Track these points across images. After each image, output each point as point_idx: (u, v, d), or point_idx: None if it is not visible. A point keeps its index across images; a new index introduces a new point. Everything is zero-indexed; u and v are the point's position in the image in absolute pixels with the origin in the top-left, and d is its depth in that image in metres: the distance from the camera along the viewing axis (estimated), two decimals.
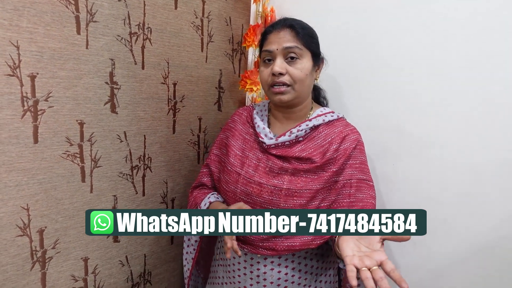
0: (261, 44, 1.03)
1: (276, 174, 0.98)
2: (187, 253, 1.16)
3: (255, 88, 1.35)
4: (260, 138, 1.02)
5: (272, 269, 0.99)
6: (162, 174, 1.24)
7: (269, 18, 1.35)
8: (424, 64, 1.08)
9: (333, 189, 0.98)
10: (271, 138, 1.01)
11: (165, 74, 1.19)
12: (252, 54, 1.46)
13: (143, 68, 1.12)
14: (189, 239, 1.15)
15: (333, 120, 1.03)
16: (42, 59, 0.90)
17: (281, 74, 0.95)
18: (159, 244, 1.28)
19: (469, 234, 1.05)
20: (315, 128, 1.01)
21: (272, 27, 1.00)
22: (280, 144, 1.00)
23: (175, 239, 1.33)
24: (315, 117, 1.02)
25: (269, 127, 1.06)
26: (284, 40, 0.96)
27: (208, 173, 1.14)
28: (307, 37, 0.98)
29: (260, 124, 1.04)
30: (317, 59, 1.01)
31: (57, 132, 0.96)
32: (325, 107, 1.08)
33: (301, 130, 1.00)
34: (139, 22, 1.09)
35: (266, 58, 0.99)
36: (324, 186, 0.97)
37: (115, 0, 1.02)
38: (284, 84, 0.96)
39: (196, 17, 1.25)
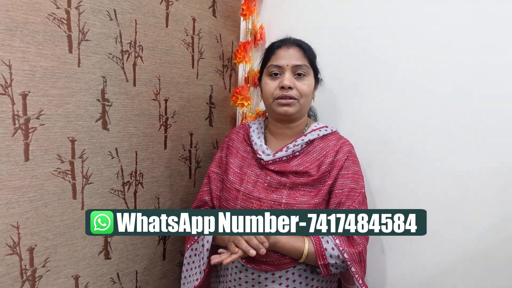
0: (267, 57, 1.07)
1: (275, 189, 1.00)
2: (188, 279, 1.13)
3: (246, 103, 1.37)
4: (257, 155, 1.05)
5: (273, 281, 0.99)
6: (154, 190, 1.25)
7: (259, 35, 1.38)
8: (410, 76, 1.11)
9: (329, 200, 1.00)
10: (269, 155, 1.04)
11: (157, 91, 1.20)
12: (243, 70, 1.48)
13: (134, 85, 1.14)
14: (194, 268, 1.10)
15: (327, 134, 1.07)
16: (34, 77, 0.91)
17: (290, 88, 1.00)
18: (151, 260, 1.27)
19: (456, 243, 1.07)
20: (310, 142, 1.05)
21: (281, 42, 1.05)
22: (277, 159, 1.03)
23: (167, 255, 1.32)
24: (310, 132, 1.06)
25: (266, 143, 1.09)
26: (293, 57, 1.02)
27: (208, 191, 1.14)
28: (312, 56, 1.05)
29: (257, 142, 1.07)
30: (317, 78, 1.08)
31: (48, 150, 0.96)
32: (318, 122, 1.12)
33: (298, 145, 1.03)
34: (130, 40, 1.11)
35: (274, 72, 1.03)
36: (322, 200, 0.99)
37: (107, 19, 1.04)
38: (291, 97, 1.00)
39: (187, 35, 1.28)
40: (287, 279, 0.99)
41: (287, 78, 1.00)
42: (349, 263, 0.92)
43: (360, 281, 0.94)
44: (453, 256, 1.08)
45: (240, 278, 1.01)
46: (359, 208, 0.99)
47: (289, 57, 1.02)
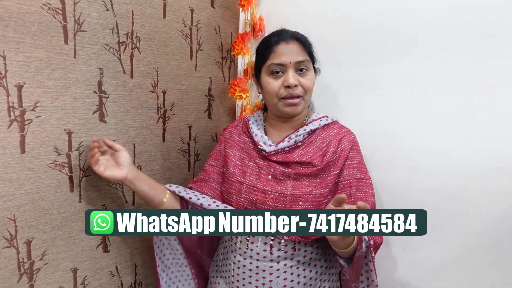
0: (265, 54, 1.01)
1: (279, 181, 1.00)
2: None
3: (244, 96, 1.36)
4: (259, 146, 1.04)
5: (278, 277, 0.98)
6: None
7: (258, 26, 1.36)
8: (412, 71, 1.10)
9: (335, 191, 1.00)
10: (271, 145, 1.03)
11: (154, 83, 1.19)
12: (242, 61, 1.47)
13: (132, 77, 1.12)
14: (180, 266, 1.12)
15: (328, 124, 1.06)
16: (29, 68, 0.90)
17: (295, 86, 0.97)
18: (150, 254, 1.26)
19: (457, 237, 1.06)
20: (312, 132, 1.04)
21: (278, 37, 1.01)
22: (280, 150, 1.02)
23: None
24: (311, 122, 1.05)
25: (266, 135, 1.08)
26: (295, 53, 0.98)
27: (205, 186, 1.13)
28: (310, 48, 1.03)
29: (258, 133, 1.06)
30: (315, 69, 1.06)
31: (44, 142, 0.95)
32: (318, 112, 1.11)
33: (300, 135, 1.02)
34: (127, 31, 1.09)
35: (275, 70, 0.99)
36: (330, 190, 0.98)
37: (103, 10, 1.03)
38: (298, 96, 0.99)
39: (185, 26, 1.26)
40: (292, 274, 0.99)
41: (292, 77, 0.97)
42: (371, 249, 0.93)
43: (375, 265, 0.95)
44: (453, 250, 1.07)
45: (244, 272, 1.00)
46: (374, 200, 0.99)
47: (290, 53, 0.98)
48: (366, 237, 0.94)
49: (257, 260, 0.99)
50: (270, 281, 0.98)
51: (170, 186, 1.09)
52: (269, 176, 1.01)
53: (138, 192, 1.02)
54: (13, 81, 0.88)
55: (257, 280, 0.99)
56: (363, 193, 0.99)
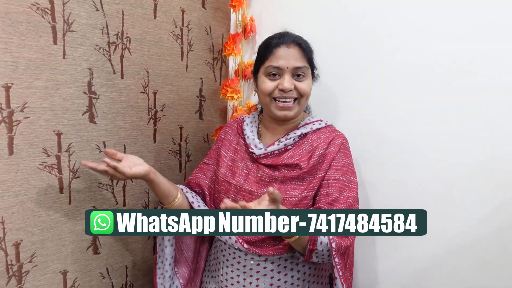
0: (264, 55, 1.02)
1: (267, 183, 1.00)
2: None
3: (235, 96, 1.36)
4: (250, 149, 1.04)
5: (264, 275, 0.99)
6: (143, 184, 1.23)
7: (249, 27, 1.37)
8: (402, 70, 1.11)
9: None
10: (261, 148, 1.04)
11: (145, 83, 1.19)
12: (233, 62, 1.47)
13: (122, 77, 1.12)
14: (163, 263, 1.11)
15: (321, 128, 1.06)
16: (17, 69, 0.89)
17: (290, 90, 0.98)
18: (141, 255, 1.26)
19: (447, 236, 1.07)
20: (303, 136, 1.04)
21: (279, 39, 1.00)
22: (269, 153, 1.02)
23: None
24: (303, 125, 1.05)
25: (259, 138, 1.09)
26: (294, 58, 0.98)
27: (198, 178, 1.13)
28: (311, 54, 1.03)
29: (250, 135, 1.07)
30: (313, 75, 1.06)
31: (33, 143, 0.94)
32: (313, 116, 1.11)
33: (290, 139, 1.02)
34: (117, 32, 1.09)
35: (272, 72, 0.99)
36: (315, 194, 0.98)
37: (93, 10, 1.02)
38: (294, 98, 0.99)
39: (176, 27, 1.26)
40: (279, 273, 0.99)
41: (287, 81, 0.97)
42: (334, 253, 0.90)
43: (341, 273, 0.91)
44: (444, 248, 1.08)
45: (232, 272, 1.01)
46: (350, 205, 0.97)
47: (288, 58, 0.98)
48: (325, 240, 0.90)
49: (245, 259, 0.99)
50: (258, 279, 0.99)
51: (178, 185, 1.09)
52: (257, 178, 1.02)
53: (159, 186, 0.99)
54: (1, 82, 0.87)
55: (244, 280, 1.00)
56: (343, 196, 0.96)
